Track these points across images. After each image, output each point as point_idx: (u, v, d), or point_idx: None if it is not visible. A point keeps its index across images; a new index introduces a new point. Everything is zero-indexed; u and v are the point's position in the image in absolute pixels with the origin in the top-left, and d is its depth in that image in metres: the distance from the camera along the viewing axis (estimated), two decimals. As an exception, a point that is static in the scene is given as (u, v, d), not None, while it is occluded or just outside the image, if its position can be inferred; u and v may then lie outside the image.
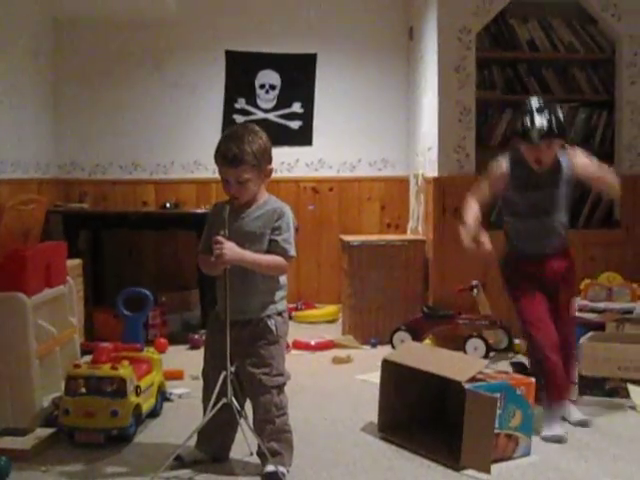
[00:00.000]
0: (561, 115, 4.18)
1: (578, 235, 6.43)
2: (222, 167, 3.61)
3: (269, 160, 3.67)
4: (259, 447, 3.63)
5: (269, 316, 3.64)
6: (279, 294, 3.70)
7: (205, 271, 3.70)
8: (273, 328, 3.63)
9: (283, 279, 3.72)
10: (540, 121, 4.11)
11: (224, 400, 3.56)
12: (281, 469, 3.54)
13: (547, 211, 4.32)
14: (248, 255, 3.55)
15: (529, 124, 4.13)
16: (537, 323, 4.26)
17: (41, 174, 7.09)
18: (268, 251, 3.62)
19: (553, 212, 4.33)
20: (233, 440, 3.84)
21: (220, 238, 3.49)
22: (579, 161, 4.32)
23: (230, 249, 3.49)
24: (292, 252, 3.63)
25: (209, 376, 3.73)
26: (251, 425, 3.66)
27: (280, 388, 3.66)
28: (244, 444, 3.83)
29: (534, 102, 4.18)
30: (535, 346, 4.27)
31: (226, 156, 3.57)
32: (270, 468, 3.54)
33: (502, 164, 4.41)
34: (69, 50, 7.49)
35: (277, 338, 3.65)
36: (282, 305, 3.72)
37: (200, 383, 3.84)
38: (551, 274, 4.35)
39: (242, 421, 3.69)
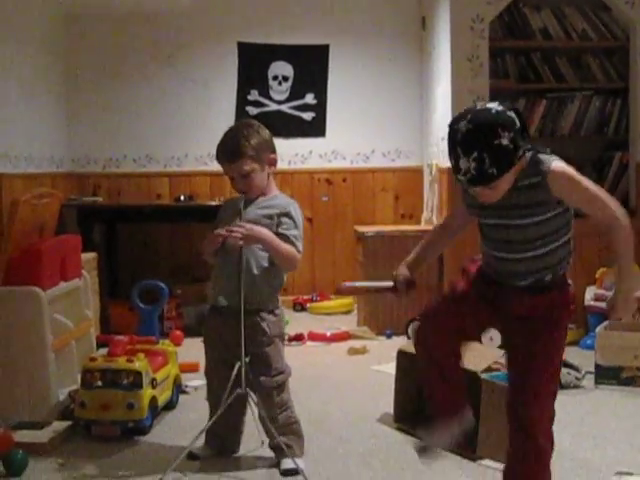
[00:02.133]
0: (503, 139, 2.60)
1: (593, 224, 6.41)
2: (224, 165, 3.65)
3: (270, 150, 3.68)
4: (270, 441, 3.64)
5: (260, 315, 3.61)
6: (275, 291, 3.68)
7: (205, 258, 3.69)
8: (267, 330, 3.61)
9: (283, 277, 3.71)
10: (464, 165, 2.67)
11: (239, 390, 3.52)
12: (299, 462, 3.55)
13: (514, 247, 2.87)
14: (267, 234, 3.54)
15: (452, 164, 2.75)
16: (435, 318, 3.03)
17: (55, 168, 7.10)
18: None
19: (526, 247, 2.85)
20: (242, 432, 3.84)
21: (237, 224, 3.50)
22: (559, 190, 2.75)
23: (251, 228, 3.48)
24: (301, 249, 3.62)
25: (213, 371, 3.72)
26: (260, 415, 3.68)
27: (281, 387, 3.66)
28: (253, 436, 3.83)
29: (461, 126, 2.67)
30: (417, 350, 3.09)
31: (224, 152, 3.61)
32: (288, 464, 3.55)
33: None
34: (82, 44, 7.50)
35: (271, 339, 3.63)
36: (276, 302, 3.70)
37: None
38: (520, 308, 2.92)
39: (255, 410, 3.68)
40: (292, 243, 3.58)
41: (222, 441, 3.80)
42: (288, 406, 3.68)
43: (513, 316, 2.91)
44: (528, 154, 2.72)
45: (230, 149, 3.59)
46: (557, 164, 2.72)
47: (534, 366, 2.83)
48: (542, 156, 2.74)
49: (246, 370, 3.53)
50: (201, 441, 3.76)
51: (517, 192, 2.73)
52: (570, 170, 2.72)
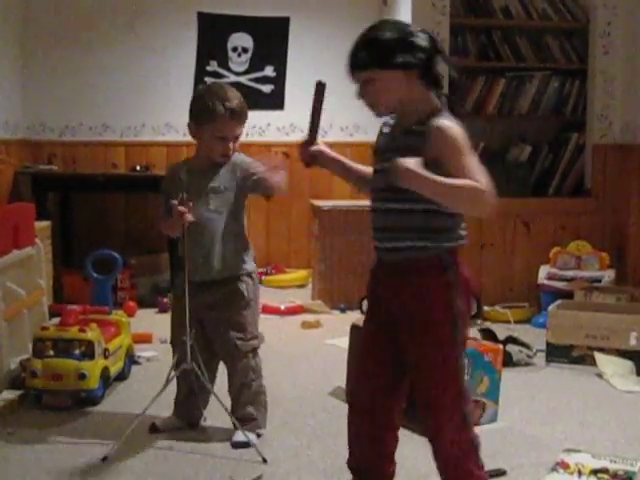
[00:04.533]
0: (388, 40, 2.61)
1: (549, 203, 6.47)
2: (227, 123, 3.55)
3: None
4: (237, 411, 3.64)
5: (239, 278, 3.62)
6: (247, 253, 3.68)
7: (166, 232, 3.67)
8: (245, 292, 3.62)
9: (248, 240, 3.71)
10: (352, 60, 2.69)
11: (184, 366, 3.52)
12: (251, 436, 3.55)
13: (387, 195, 2.65)
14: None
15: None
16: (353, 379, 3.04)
17: (9, 135, 7.00)
18: (254, 190, 3.64)
19: (397, 196, 2.57)
20: (207, 404, 3.82)
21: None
22: (438, 148, 2.49)
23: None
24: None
25: (178, 344, 3.68)
26: (225, 390, 3.67)
27: (255, 351, 3.67)
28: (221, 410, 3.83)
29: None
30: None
31: (235, 111, 3.54)
32: (239, 436, 3.55)
33: None
34: (39, 8, 7.38)
35: (248, 301, 3.64)
36: (251, 265, 3.70)
37: (167, 347, 3.83)
38: (395, 306, 2.68)
39: (209, 387, 3.67)
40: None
41: (187, 412, 3.79)
42: (260, 375, 3.69)
43: (395, 318, 2.66)
44: (436, 103, 2.62)
45: (240, 109, 3.56)
46: (448, 123, 2.52)
47: (422, 377, 2.65)
48: (443, 115, 2.56)
49: (192, 345, 3.51)
50: (161, 412, 3.75)
51: (404, 136, 2.60)
52: (459, 134, 2.50)
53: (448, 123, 2.51)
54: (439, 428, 2.63)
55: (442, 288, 2.58)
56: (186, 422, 3.79)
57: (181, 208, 3.43)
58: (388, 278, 2.70)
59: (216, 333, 3.64)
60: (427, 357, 2.60)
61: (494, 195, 2.46)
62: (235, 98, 3.58)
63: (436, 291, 2.58)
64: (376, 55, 2.59)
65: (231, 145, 3.58)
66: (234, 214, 3.63)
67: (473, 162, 2.48)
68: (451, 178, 2.43)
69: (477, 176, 2.44)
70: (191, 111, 3.64)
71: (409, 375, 2.69)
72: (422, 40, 2.57)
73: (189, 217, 3.44)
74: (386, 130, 2.75)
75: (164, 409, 3.78)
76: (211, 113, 3.54)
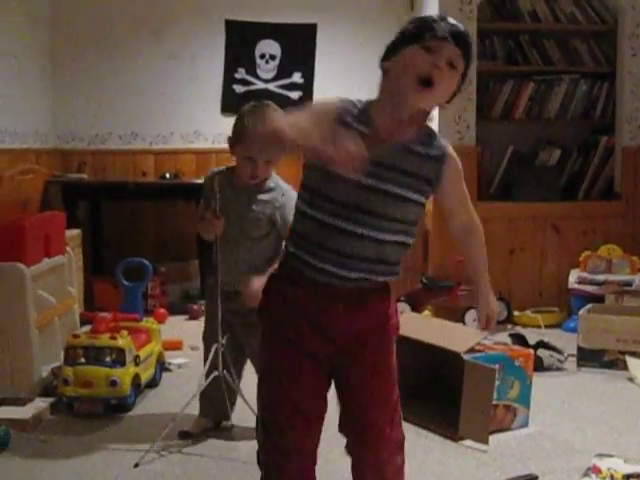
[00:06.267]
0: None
1: (578, 207, 6.43)
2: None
3: None
4: None
5: None
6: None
7: (203, 234, 3.70)
8: None
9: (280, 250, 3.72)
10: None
11: (215, 373, 3.60)
12: None
13: (377, 222, 2.26)
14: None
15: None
16: (282, 430, 2.33)
17: (40, 144, 7.05)
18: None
19: (391, 226, 2.28)
20: (235, 403, 3.86)
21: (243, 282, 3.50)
22: (451, 176, 2.34)
23: (252, 285, 3.43)
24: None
25: (209, 341, 3.73)
26: (252, 391, 3.68)
27: None
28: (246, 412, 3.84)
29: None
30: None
31: None
32: None
33: None
34: (68, 17, 7.42)
35: None
36: None
37: (198, 354, 3.85)
38: (343, 336, 2.33)
39: (239, 390, 3.71)
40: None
41: (215, 411, 3.83)
42: None
43: (337, 350, 2.34)
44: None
45: None
46: (450, 147, 2.35)
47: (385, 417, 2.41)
48: (440, 136, 2.36)
49: (223, 352, 3.58)
50: (192, 417, 3.79)
51: (413, 158, 2.27)
52: (457, 158, 2.37)
53: (452, 150, 2.34)
54: (388, 456, 2.41)
55: (395, 314, 2.45)
56: (214, 421, 3.83)
57: (214, 219, 3.48)
58: (337, 303, 2.29)
59: (246, 337, 3.66)
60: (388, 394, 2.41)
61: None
62: (244, 123, 3.59)
63: (393, 316, 2.44)
64: (470, 46, 2.25)
65: (261, 168, 3.58)
66: (267, 236, 3.66)
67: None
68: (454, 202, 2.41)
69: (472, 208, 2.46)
70: (232, 130, 3.68)
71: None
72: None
73: (219, 228, 3.51)
74: (364, 130, 2.24)
75: (194, 415, 3.81)
76: (242, 132, 3.57)
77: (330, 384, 2.39)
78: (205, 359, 3.75)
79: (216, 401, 3.79)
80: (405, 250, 2.34)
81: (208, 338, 3.77)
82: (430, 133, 2.31)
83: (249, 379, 3.79)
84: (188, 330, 5.65)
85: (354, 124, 2.25)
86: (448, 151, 2.32)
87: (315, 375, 2.33)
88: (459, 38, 2.21)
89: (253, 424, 3.62)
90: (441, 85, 2.19)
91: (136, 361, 4.18)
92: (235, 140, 3.62)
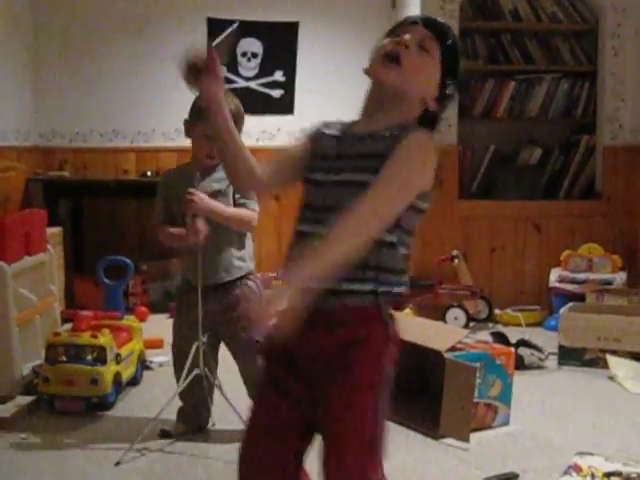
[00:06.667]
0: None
1: (559, 206, 6.46)
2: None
3: (243, 120, 3.65)
4: None
5: (246, 278, 3.65)
6: (247, 253, 3.69)
7: (167, 243, 3.70)
8: (255, 289, 3.64)
9: (248, 242, 3.72)
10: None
11: (197, 371, 3.57)
12: None
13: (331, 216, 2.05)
14: (217, 206, 3.55)
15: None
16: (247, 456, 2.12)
17: (21, 142, 7.01)
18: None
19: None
20: (212, 403, 3.84)
21: (191, 190, 3.49)
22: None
23: (201, 199, 3.47)
24: (254, 205, 3.62)
25: (180, 348, 3.71)
26: (230, 389, 3.68)
27: None
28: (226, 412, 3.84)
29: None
30: None
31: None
32: None
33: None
34: (49, 16, 7.40)
35: (259, 297, 3.64)
36: (252, 265, 3.73)
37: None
38: (309, 357, 2.08)
39: (217, 390, 3.71)
40: (246, 206, 3.60)
41: (192, 417, 3.81)
42: None
43: (304, 373, 2.08)
44: (414, 117, 2.14)
45: (237, 109, 3.53)
46: (421, 135, 2.07)
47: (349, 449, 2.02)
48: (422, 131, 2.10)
49: (204, 350, 3.57)
50: (173, 416, 3.78)
51: (372, 141, 2.10)
52: (423, 146, 2.06)
53: (426, 140, 2.07)
54: None
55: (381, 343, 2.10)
56: (193, 427, 3.81)
57: (199, 226, 3.46)
58: (309, 328, 1.98)
59: (230, 333, 3.64)
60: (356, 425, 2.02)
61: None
62: (231, 103, 3.58)
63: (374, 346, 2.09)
64: (450, 34, 2.16)
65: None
66: None
67: (396, 187, 2.02)
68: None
69: (379, 194, 2.00)
70: (189, 111, 3.68)
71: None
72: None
73: (203, 234, 3.49)
74: (332, 132, 2.20)
75: (175, 415, 3.80)
76: (201, 110, 3.57)
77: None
78: (176, 369, 3.73)
79: (196, 410, 3.79)
80: (367, 249, 2.06)
81: (179, 346, 3.74)
82: (406, 127, 2.07)
83: (231, 379, 3.81)
84: (169, 328, 5.59)
85: (323, 129, 2.23)
86: (411, 133, 2.04)
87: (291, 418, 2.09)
88: (429, 21, 2.14)
89: (234, 424, 3.67)
90: (408, 62, 2.09)
91: (117, 359, 4.17)
92: (194, 119, 3.63)
